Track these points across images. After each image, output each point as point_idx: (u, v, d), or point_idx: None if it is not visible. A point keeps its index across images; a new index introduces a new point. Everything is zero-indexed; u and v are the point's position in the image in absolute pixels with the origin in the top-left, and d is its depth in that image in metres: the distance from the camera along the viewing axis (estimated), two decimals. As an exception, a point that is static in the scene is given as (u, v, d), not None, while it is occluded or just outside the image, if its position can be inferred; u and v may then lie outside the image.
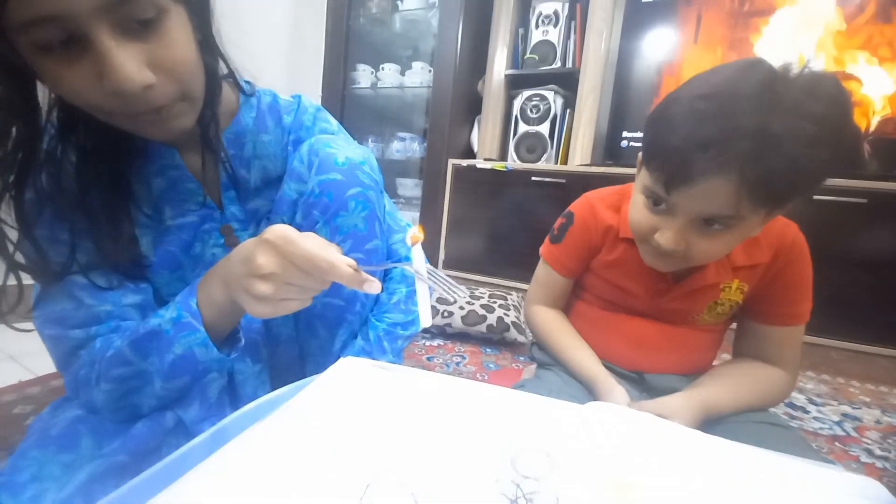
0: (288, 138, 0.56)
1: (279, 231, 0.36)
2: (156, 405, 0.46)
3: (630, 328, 0.63)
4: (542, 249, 0.70)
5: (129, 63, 0.34)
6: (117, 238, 0.45)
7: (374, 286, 0.37)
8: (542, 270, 0.71)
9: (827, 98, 0.40)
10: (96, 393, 0.44)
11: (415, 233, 0.38)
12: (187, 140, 0.48)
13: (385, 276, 0.63)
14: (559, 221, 0.68)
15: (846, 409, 1.00)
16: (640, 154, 0.53)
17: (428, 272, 0.38)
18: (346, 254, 0.53)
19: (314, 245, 0.36)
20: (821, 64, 1.46)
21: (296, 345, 0.59)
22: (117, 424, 0.45)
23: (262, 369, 0.55)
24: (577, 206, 0.66)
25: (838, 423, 0.93)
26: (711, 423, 0.53)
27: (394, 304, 0.61)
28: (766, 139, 0.39)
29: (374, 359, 0.49)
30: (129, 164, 0.47)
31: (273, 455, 0.25)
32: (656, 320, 0.61)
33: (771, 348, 0.58)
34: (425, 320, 0.37)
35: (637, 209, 0.53)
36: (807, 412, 0.97)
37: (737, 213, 0.44)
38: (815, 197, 1.34)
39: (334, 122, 0.62)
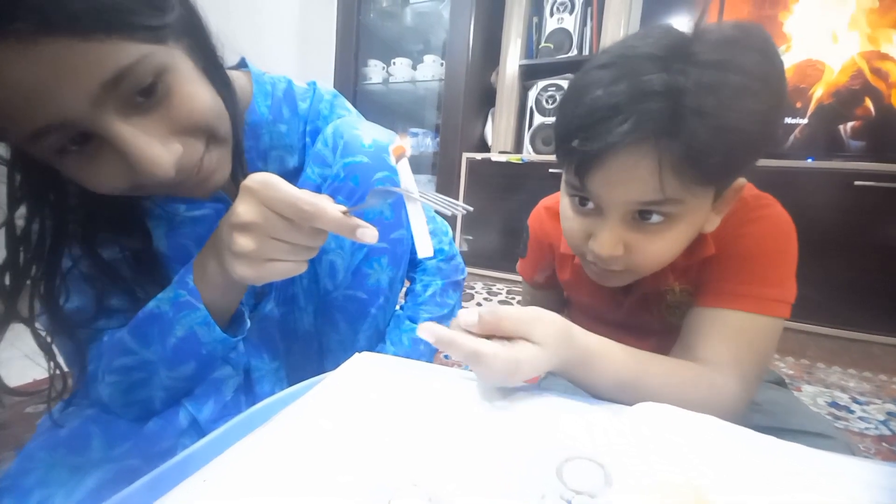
0: (305, 128, 0.53)
1: (259, 177, 0.32)
2: (166, 397, 0.44)
3: (617, 338, 0.57)
4: (517, 267, 0.67)
5: (154, 145, 0.32)
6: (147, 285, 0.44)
7: (367, 233, 0.32)
8: (523, 287, 0.69)
9: (753, 49, 0.35)
10: (103, 387, 0.42)
11: (398, 144, 0.32)
12: None
13: (417, 267, 0.61)
14: (523, 235, 0.64)
15: (891, 407, 0.95)
16: None
17: (420, 192, 0.31)
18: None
19: (298, 189, 0.32)
20: (855, 42, 1.38)
21: (315, 340, 0.56)
22: (130, 424, 0.43)
23: (279, 366, 0.53)
24: (531, 219, 0.62)
25: (884, 423, 0.87)
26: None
27: (429, 296, 0.58)
28: (680, 96, 0.33)
29: None
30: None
31: (278, 460, 0.22)
32: (637, 328, 0.55)
33: (697, 337, 0.42)
34: (424, 250, 0.31)
35: (567, 216, 0.45)
36: (851, 412, 0.91)
37: (667, 197, 0.36)
38: (856, 182, 1.27)
39: (353, 110, 0.58)
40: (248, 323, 0.44)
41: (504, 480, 0.20)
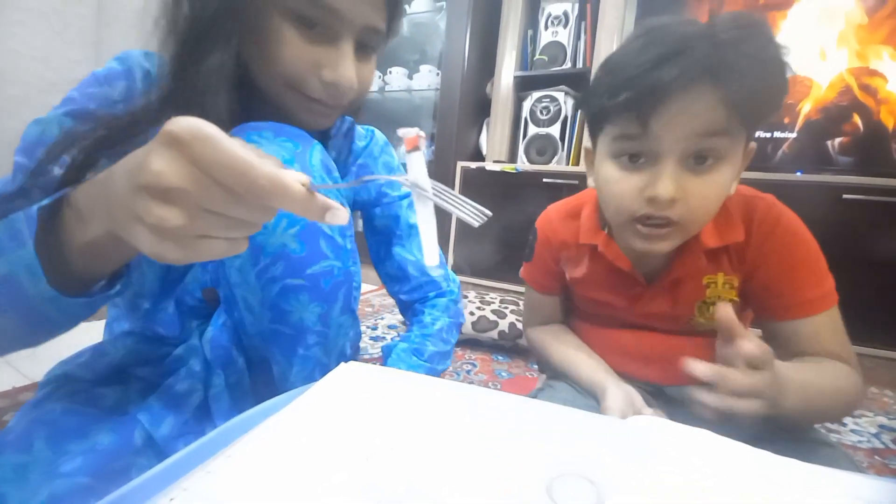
0: (355, 161, 0.60)
1: (189, 123, 0.22)
2: None
3: (625, 341, 0.58)
4: (521, 272, 0.67)
5: (352, 69, 0.44)
6: None
7: (338, 215, 0.26)
8: (527, 293, 0.68)
9: (761, 23, 0.41)
10: None
11: (416, 134, 0.28)
12: None
13: (426, 300, 0.62)
14: (529, 239, 0.65)
15: (882, 420, 0.95)
16: (587, 143, 0.53)
17: (434, 190, 0.27)
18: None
19: (239, 146, 0.23)
20: (843, 58, 1.41)
21: (267, 363, 0.52)
22: (75, 427, 0.40)
23: (238, 382, 0.48)
24: (539, 221, 0.64)
25: (876, 436, 0.87)
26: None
27: (437, 330, 0.58)
28: (721, 41, 0.39)
29: None
30: None
31: (254, 474, 0.21)
32: (653, 331, 0.56)
33: (808, 344, 0.48)
34: (430, 257, 0.28)
35: (613, 179, 0.46)
36: (843, 424, 0.91)
37: (725, 129, 0.41)
38: (845, 196, 1.28)
39: (396, 158, 0.66)
40: (118, 287, 0.35)
41: (490, 497, 0.20)
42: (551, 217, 0.62)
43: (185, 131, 0.22)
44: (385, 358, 0.56)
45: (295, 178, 0.24)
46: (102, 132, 0.38)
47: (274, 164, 0.24)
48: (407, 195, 0.64)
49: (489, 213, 0.27)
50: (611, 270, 0.54)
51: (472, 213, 0.27)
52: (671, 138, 0.41)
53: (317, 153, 0.43)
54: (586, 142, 0.54)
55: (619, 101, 0.42)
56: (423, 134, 0.28)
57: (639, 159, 0.44)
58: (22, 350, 0.37)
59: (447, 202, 0.27)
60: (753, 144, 0.46)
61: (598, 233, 0.55)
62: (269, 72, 0.43)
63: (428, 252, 0.28)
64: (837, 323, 0.48)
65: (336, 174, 0.47)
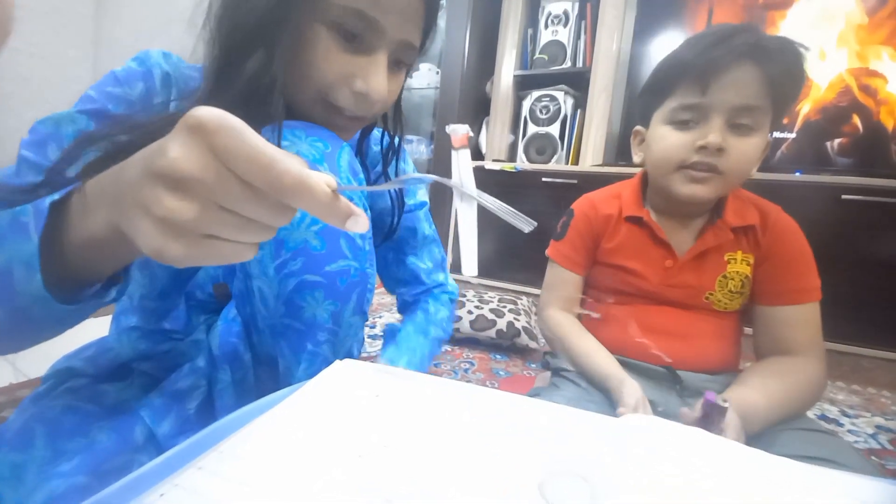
0: (373, 167, 0.60)
1: (214, 112, 0.21)
2: None
3: (646, 316, 0.62)
4: (548, 251, 0.72)
5: (384, 81, 0.43)
6: None
7: (360, 222, 0.24)
8: (550, 272, 0.72)
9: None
10: None
11: (466, 132, 0.25)
12: None
13: (429, 294, 0.63)
14: (561, 220, 0.71)
15: (879, 420, 0.95)
16: (637, 127, 0.64)
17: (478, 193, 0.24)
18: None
19: (269, 145, 0.21)
20: (843, 59, 1.41)
21: (274, 359, 0.53)
22: (75, 426, 0.39)
23: (243, 378, 0.48)
24: (577, 204, 0.71)
25: (873, 436, 0.87)
26: (749, 434, 0.48)
27: (440, 319, 0.59)
28: (761, 35, 0.52)
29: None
30: None
31: (246, 472, 0.20)
32: (671, 306, 0.61)
33: (788, 332, 0.57)
34: (469, 266, 0.26)
35: (668, 137, 0.57)
36: (840, 425, 0.91)
37: (760, 103, 0.52)
38: (844, 196, 1.28)
39: (412, 164, 0.67)
40: (114, 294, 0.33)
41: (483, 495, 0.19)
42: (592, 198, 0.69)
43: (211, 119, 0.21)
44: (389, 337, 0.58)
45: (321, 179, 0.22)
46: (128, 137, 0.35)
47: (299, 164, 0.22)
48: (423, 205, 0.65)
49: (534, 223, 0.25)
50: (648, 240, 0.62)
51: (519, 218, 0.24)
52: (721, 104, 0.53)
53: (345, 155, 0.44)
54: (637, 126, 0.66)
55: (684, 74, 0.55)
56: (471, 133, 0.26)
57: (689, 123, 0.55)
58: (1, 355, 0.35)
59: (490, 204, 0.24)
60: (770, 140, 0.56)
61: (642, 208, 0.64)
62: (302, 80, 0.42)
63: (467, 260, 0.26)
64: (816, 317, 0.56)
65: (362, 177, 0.47)
